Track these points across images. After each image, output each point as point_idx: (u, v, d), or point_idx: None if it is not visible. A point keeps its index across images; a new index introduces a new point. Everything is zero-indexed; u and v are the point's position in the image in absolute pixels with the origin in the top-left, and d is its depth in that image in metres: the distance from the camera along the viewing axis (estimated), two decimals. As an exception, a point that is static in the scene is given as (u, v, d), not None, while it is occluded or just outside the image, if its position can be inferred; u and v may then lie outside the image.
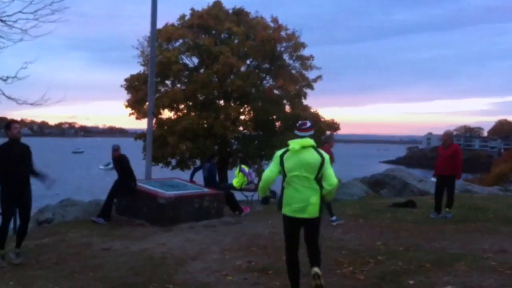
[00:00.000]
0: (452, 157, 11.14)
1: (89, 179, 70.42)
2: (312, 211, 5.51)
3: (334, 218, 10.58)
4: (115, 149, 11.27)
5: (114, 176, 11.69)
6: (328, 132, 26.04)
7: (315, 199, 5.51)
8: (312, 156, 5.50)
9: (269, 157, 25.80)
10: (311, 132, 5.71)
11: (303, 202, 5.50)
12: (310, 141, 5.57)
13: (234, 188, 13.76)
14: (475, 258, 7.20)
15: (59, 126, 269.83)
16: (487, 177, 46.41)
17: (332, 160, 9.68)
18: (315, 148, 5.59)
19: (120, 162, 11.17)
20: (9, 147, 7.07)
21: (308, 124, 5.76)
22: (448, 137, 11.68)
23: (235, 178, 14.15)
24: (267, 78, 26.62)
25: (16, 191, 7.10)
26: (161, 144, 23.73)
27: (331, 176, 5.53)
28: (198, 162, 25.95)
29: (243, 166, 14.19)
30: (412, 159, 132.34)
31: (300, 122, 5.84)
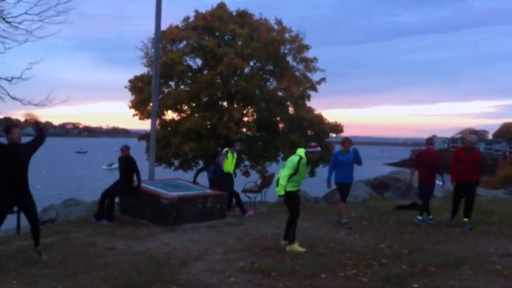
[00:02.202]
0: (477, 162, 10.53)
1: (92, 179, 70.49)
2: (278, 192, 8.15)
3: (420, 218, 10.99)
4: (123, 149, 11.40)
5: (117, 176, 11.69)
6: (332, 134, 26.02)
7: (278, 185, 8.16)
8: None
9: (273, 158, 25.79)
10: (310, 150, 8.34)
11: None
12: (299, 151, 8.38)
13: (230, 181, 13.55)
14: (480, 262, 7.17)
15: (63, 126, 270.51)
16: (492, 180, 46.26)
17: (440, 157, 11.21)
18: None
19: (127, 164, 11.24)
20: (8, 148, 7.02)
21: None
22: (471, 142, 10.80)
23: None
24: (271, 79, 26.57)
25: (13, 193, 7.05)
26: (165, 144, 23.73)
27: (279, 174, 8.25)
28: (201, 163, 25.94)
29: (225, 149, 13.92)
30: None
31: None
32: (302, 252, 7.95)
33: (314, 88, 26.00)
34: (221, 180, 12.84)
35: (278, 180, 8.20)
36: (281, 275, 6.50)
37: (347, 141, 11.12)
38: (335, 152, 11.24)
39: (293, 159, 8.21)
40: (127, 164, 11.28)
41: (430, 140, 11.75)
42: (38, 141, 7.46)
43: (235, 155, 13.87)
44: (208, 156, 14.90)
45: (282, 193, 8.09)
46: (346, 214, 10.91)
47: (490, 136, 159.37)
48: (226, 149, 13.92)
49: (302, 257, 7.60)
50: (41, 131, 7.54)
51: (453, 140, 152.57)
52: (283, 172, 8.18)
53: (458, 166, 10.56)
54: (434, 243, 8.74)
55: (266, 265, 7.05)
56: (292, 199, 8.38)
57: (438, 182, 11.90)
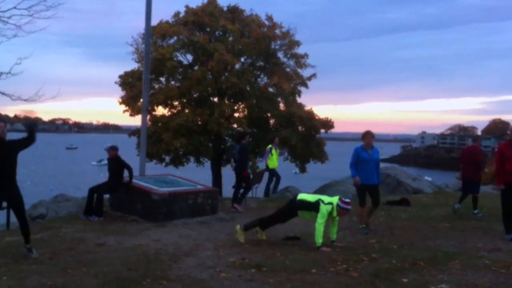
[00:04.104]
0: None
1: (82, 175, 70.21)
2: (317, 241, 7.95)
3: (476, 211, 11.64)
4: (109, 150, 11.40)
5: (106, 172, 11.65)
6: (322, 131, 26.05)
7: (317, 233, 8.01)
8: None
9: (264, 154, 25.79)
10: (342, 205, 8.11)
11: None
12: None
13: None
14: (469, 257, 7.23)
15: (52, 122, 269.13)
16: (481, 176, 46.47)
17: (482, 154, 11.97)
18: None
19: (116, 165, 11.22)
20: None
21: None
22: None
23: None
24: (262, 75, 26.57)
25: (1, 189, 6.97)
26: (156, 140, 23.66)
27: (317, 222, 8.02)
28: (192, 159, 25.93)
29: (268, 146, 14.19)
30: (406, 157, 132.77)
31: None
32: (241, 241, 8.40)
33: (304, 84, 26.04)
34: (244, 162, 13.08)
35: (316, 228, 7.95)
36: (272, 270, 6.52)
37: (368, 135, 9.62)
38: (356, 147, 9.70)
39: (327, 208, 8.00)
40: (115, 165, 11.25)
41: (476, 138, 12.54)
42: (28, 141, 7.26)
43: (278, 151, 14.09)
44: (237, 136, 14.86)
45: (321, 241, 7.91)
46: (366, 218, 9.63)
47: (479, 132, 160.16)
48: (269, 146, 14.08)
49: (292, 253, 7.63)
50: (33, 132, 7.41)
51: (442, 136, 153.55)
52: (319, 220, 7.93)
53: (505, 165, 8.91)
54: (424, 239, 8.80)
55: (257, 261, 7.06)
56: (291, 212, 8.57)
57: (427, 178, 12.08)
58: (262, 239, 8.60)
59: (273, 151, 14.09)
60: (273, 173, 14.47)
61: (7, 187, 7.00)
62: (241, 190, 13.04)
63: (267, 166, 14.01)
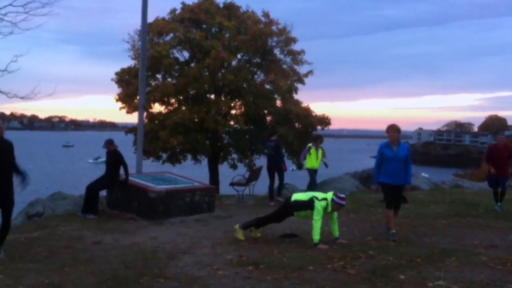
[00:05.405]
0: None
1: (78, 172, 70.10)
2: (314, 237, 7.93)
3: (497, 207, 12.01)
4: (107, 145, 11.35)
5: (103, 169, 11.65)
6: (319, 127, 26.07)
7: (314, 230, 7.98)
8: None
9: (260, 151, 25.78)
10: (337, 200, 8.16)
11: None
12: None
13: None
14: (466, 253, 7.25)
15: (49, 119, 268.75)
16: (477, 173, 46.59)
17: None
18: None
19: (114, 158, 11.19)
20: None
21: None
22: None
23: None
24: (258, 72, 26.54)
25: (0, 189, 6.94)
26: (152, 138, 23.63)
27: (313, 219, 8.03)
28: (189, 157, 25.91)
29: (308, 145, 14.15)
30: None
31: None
32: (241, 239, 8.40)
33: (301, 81, 26.03)
34: (280, 159, 13.46)
35: (313, 225, 7.95)
36: (269, 268, 6.52)
37: (391, 129, 8.58)
38: (381, 144, 8.82)
39: (321, 204, 8.03)
40: (113, 159, 11.24)
41: (501, 135, 13.14)
42: (14, 164, 7.18)
43: (320, 151, 13.86)
44: (268, 133, 14.73)
45: (318, 237, 7.89)
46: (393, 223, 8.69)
47: (475, 129, 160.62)
48: (309, 144, 13.94)
49: (290, 250, 7.64)
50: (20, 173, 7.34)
51: (439, 132, 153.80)
52: (315, 217, 7.95)
53: None
54: (420, 236, 8.81)
55: (254, 258, 7.07)
56: (287, 213, 8.60)
57: (424, 174, 12.11)
58: (259, 237, 8.61)
59: (312, 150, 13.76)
60: (311, 173, 14.06)
61: (3, 185, 6.95)
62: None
63: (301, 165, 13.97)
